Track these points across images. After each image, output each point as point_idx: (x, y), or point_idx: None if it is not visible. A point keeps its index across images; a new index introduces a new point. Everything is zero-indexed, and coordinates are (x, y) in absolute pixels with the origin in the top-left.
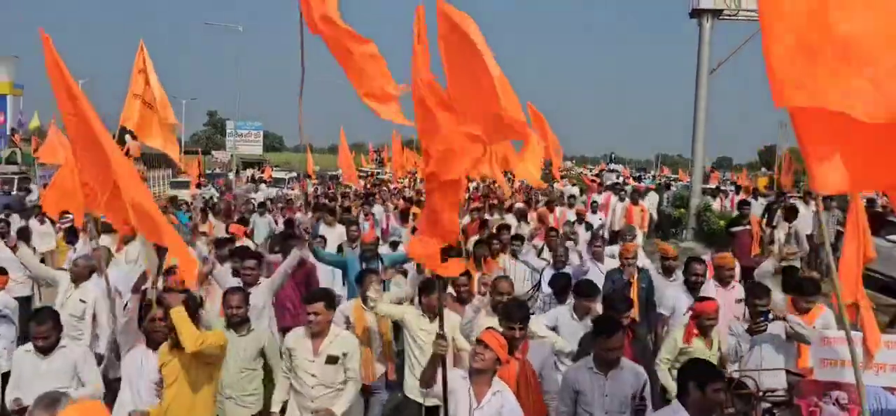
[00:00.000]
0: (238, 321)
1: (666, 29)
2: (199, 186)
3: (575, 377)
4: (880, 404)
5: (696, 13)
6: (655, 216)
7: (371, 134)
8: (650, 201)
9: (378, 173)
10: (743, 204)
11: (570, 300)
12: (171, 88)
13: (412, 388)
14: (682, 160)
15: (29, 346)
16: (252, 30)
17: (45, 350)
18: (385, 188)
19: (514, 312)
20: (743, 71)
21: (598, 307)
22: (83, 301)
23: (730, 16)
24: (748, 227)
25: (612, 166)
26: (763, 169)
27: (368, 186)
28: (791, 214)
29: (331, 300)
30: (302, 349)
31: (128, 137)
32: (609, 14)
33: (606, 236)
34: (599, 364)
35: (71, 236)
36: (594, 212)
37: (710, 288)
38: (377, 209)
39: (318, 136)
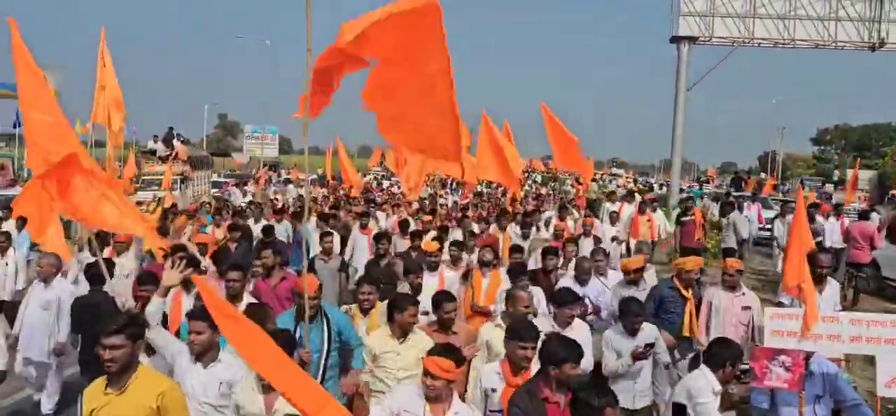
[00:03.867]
0: None
1: (662, 51)
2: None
3: None
4: (820, 368)
5: (675, 40)
6: (665, 229)
7: (378, 138)
8: (660, 213)
9: (384, 176)
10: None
11: (551, 310)
12: (186, 92)
13: None
14: (686, 165)
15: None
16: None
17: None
18: (388, 194)
19: (525, 331)
20: (724, 88)
21: (577, 314)
22: None
23: (704, 42)
24: (693, 217)
25: (615, 171)
26: (762, 174)
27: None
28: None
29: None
30: (251, 405)
31: (176, 142)
32: (612, 37)
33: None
34: None
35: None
36: (612, 224)
37: (719, 293)
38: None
39: (324, 139)
